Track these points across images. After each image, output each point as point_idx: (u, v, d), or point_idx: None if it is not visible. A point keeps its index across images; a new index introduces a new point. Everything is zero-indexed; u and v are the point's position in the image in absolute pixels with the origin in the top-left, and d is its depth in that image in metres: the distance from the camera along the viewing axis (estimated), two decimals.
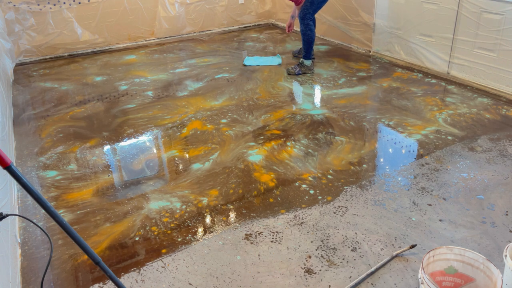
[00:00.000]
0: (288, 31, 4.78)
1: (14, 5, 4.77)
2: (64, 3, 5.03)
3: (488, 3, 3.60)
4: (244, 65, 4.69)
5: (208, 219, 2.32)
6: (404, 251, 2.01)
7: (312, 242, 2.11)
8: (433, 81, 4.07)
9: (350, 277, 1.90)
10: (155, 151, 3.06)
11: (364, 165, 2.75)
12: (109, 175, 2.77)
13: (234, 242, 2.13)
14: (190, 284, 1.90)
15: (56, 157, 3.00)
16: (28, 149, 3.13)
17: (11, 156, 2.90)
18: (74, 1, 5.08)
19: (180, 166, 2.84)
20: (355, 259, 1.99)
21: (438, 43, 4.13)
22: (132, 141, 3.20)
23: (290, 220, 2.27)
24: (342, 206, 2.36)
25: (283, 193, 2.51)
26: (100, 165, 2.88)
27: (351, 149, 2.95)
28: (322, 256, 2.02)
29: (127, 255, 2.08)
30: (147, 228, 2.26)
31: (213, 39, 5.84)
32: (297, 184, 2.58)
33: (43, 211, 1.49)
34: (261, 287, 1.87)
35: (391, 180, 2.59)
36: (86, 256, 2.07)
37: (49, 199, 2.53)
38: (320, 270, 1.94)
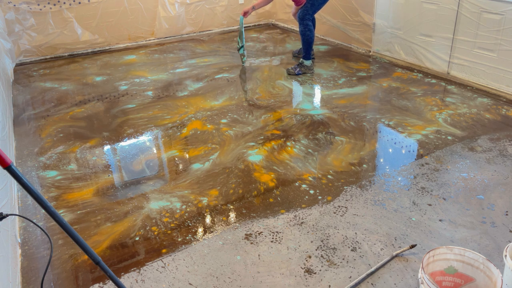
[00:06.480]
0: (244, 15, 4.54)
1: (14, 5, 4.77)
2: (64, 3, 5.03)
3: (488, 3, 3.60)
4: (238, 51, 4.69)
5: (208, 219, 2.32)
6: (404, 251, 2.01)
7: (312, 242, 2.11)
8: (433, 81, 4.07)
9: (350, 277, 1.90)
10: (155, 151, 3.06)
11: (364, 165, 2.76)
12: (109, 175, 2.77)
13: (234, 242, 2.13)
14: (190, 284, 1.90)
15: (56, 157, 3.00)
16: (28, 149, 3.13)
17: (11, 156, 2.90)
18: (74, 1, 5.08)
19: (180, 166, 2.84)
20: (355, 259, 2.00)
21: (438, 43, 4.13)
22: (132, 141, 3.20)
23: (290, 220, 2.27)
24: (342, 206, 2.37)
25: (283, 193, 2.51)
26: (100, 165, 2.89)
27: (351, 149, 2.95)
28: (322, 256, 2.02)
29: (127, 255, 2.09)
30: (147, 228, 2.26)
31: (213, 39, 5.84)
32: (297, 184, 2.58)
33: (43, 211, 1.49)
34: (261, 287, 1.87)
35: (391, 180, 2.59)
36: (86, 256, 2.07)
37: (49, 199, 2.53)
38: (320, 270, 1.94)
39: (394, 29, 4.55)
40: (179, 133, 3.27)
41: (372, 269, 1.92)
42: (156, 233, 2.22)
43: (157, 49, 5.48)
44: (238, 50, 4.71)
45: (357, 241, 2.10)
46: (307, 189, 2.53)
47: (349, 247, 2.07)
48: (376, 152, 2.92)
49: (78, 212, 2.42)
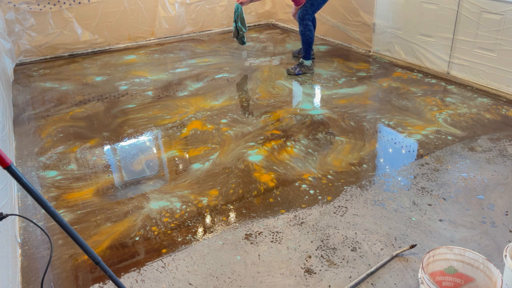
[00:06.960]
0: (241, 3, 4.37)
1: (14, 5, 4.77)
2: (64, 3, 5.03)
3: (488, 3, 3.60)
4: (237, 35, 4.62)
5: (208, 219, 2.32)
6: (404, 251, 2.01)
7: (312, 242, 2.11)
8: (433, 81, 4.07)
9: (350, 277, 1.90)
10: (155, 151, 3.06)
11: (364, 165, 2.76)
12: (109, 175, 2.77)
13: (234, 242, 2.13)
14: (190, 284, 1.90)
15: (56, 157, 3.00)
16: (28, 149, 3.13)
17: (11, 156, 2.90)
18: (74, 1, 5.08)
19: (180, 166, 2.84)
20: (355, 259, 2.00)
21: (438, 43, 4.13)
22: (132, 141, 3.20)
23: (290, 220, 2.27)
24: (342, 206, 2.37)
25: (283, 193, 2.51)
26: (100, 165, 2.88)
27: (351, 149, 2.95)
28: (322, 256, 2.02)
29: (127, 255, 2.09)
30: (147, 228, 2.26)
31: (213, 39, 5.84)
32: (297, 184, 2.58)
33: (43, 211, 1.49)
34: (261, 287, 1.87)
35: (391, 180, 2.59)
36: (86, 256, 2.07)
37: (49, 199, 2.53)
38: (320, 270, 1.94)
39: (394, 29, 4.55)
40: (179, 133, 3.27)
41: (372, 269, 1.92)
42: (156, 233, 2.22)
43: (157, 49, 5.48)
44: (237, 36, 4.60)
45: (357, 241, 2.10)
46: (307, 189, 2.53)
47: (349, 247, 2.07)
48: (376, 152, 2.92)
49: (78, 212, 2.42)
